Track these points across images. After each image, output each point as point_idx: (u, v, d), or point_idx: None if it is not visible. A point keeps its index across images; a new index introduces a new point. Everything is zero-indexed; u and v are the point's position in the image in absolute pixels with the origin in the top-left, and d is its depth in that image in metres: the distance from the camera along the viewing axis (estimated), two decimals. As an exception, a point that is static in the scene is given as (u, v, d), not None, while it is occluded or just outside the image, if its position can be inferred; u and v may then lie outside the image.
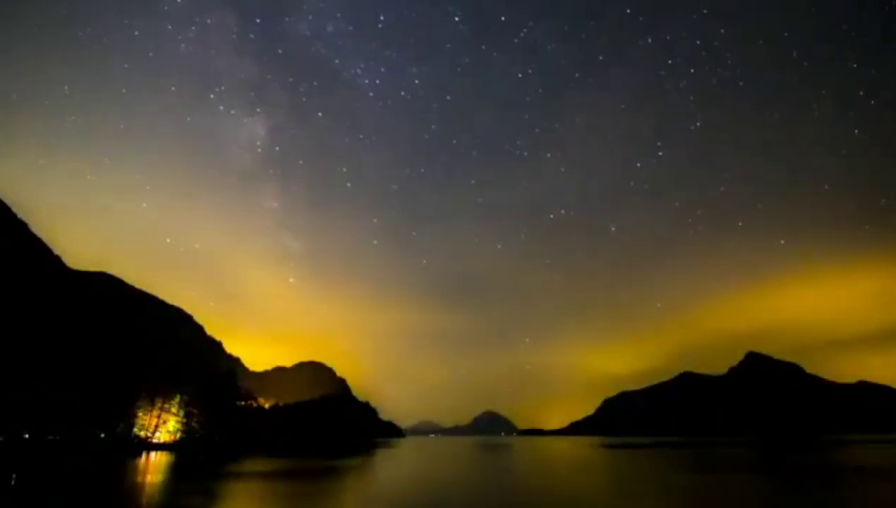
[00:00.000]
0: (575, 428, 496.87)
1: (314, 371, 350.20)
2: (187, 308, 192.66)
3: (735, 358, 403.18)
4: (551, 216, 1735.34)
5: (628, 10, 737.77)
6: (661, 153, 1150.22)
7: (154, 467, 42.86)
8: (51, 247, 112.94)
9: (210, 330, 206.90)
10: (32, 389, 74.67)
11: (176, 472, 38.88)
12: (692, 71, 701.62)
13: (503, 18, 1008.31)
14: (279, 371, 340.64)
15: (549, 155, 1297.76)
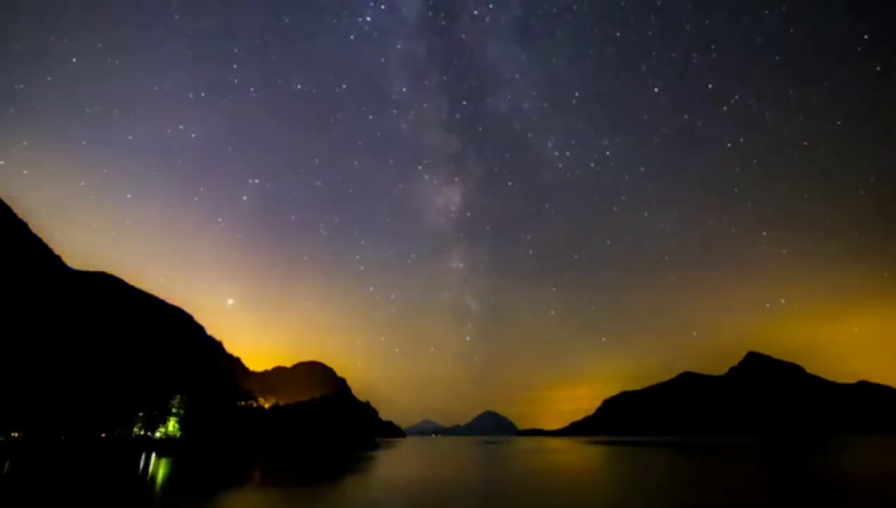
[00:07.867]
0: (575, 428, 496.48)
1: (314, 371, 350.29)
2: (188, 308, 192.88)
3: (735, 358, 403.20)
4: (767, 305, 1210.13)
5: (878, 68, 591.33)
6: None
7: (153, 467, 42.81)
8: (49, 246, 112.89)
9: (210, 331, 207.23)
10: (32, 389, 74.56)
11: (175, 473, 38.81)
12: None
13: (710, 86, 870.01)
14: (279, 371, 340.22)
15: (764, 233, 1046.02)
